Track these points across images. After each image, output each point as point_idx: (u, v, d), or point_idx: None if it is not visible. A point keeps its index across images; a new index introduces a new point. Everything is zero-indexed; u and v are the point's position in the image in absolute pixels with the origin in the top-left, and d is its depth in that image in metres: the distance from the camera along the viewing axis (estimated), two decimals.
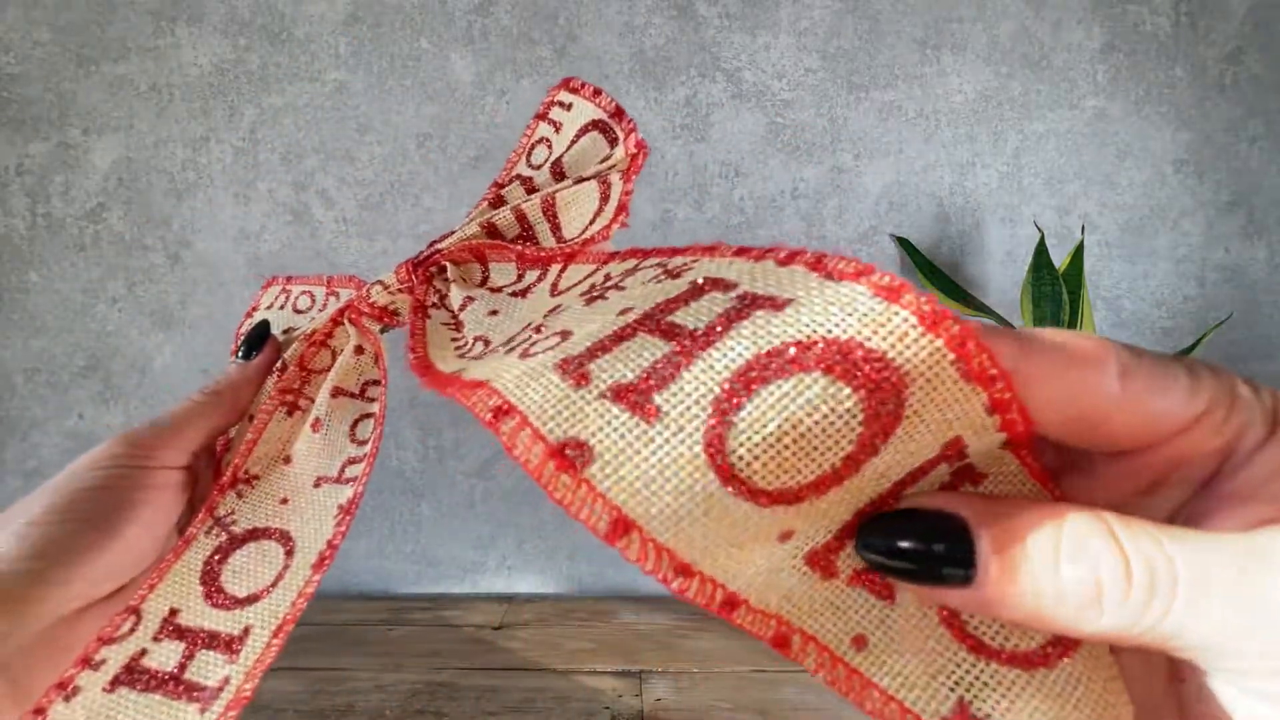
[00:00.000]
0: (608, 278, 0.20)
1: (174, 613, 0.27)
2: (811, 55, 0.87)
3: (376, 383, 0.31)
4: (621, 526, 0.13)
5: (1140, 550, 0.13)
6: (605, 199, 0.29)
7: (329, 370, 0.31)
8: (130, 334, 0.90)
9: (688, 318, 0.15)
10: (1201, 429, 0.14)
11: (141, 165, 0.88)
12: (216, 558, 0.28)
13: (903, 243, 0.86)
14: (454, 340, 0.26)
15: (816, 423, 0.13)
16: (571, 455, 0.13)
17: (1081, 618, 0.13)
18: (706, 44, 0.87)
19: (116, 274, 0.89)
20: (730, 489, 0.13)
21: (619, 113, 0.31)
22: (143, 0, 0.86)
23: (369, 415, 0.31)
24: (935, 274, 0.83)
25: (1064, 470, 0.16)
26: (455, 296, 0.27)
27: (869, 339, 0.13)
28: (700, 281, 0.16)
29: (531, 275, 0.26)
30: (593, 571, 0.93)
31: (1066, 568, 0.13)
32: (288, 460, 0.30)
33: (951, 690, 0.15)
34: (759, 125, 0.87)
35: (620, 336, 0.15)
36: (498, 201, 0.31)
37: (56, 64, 0.87)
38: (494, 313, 0.26)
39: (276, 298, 0.38)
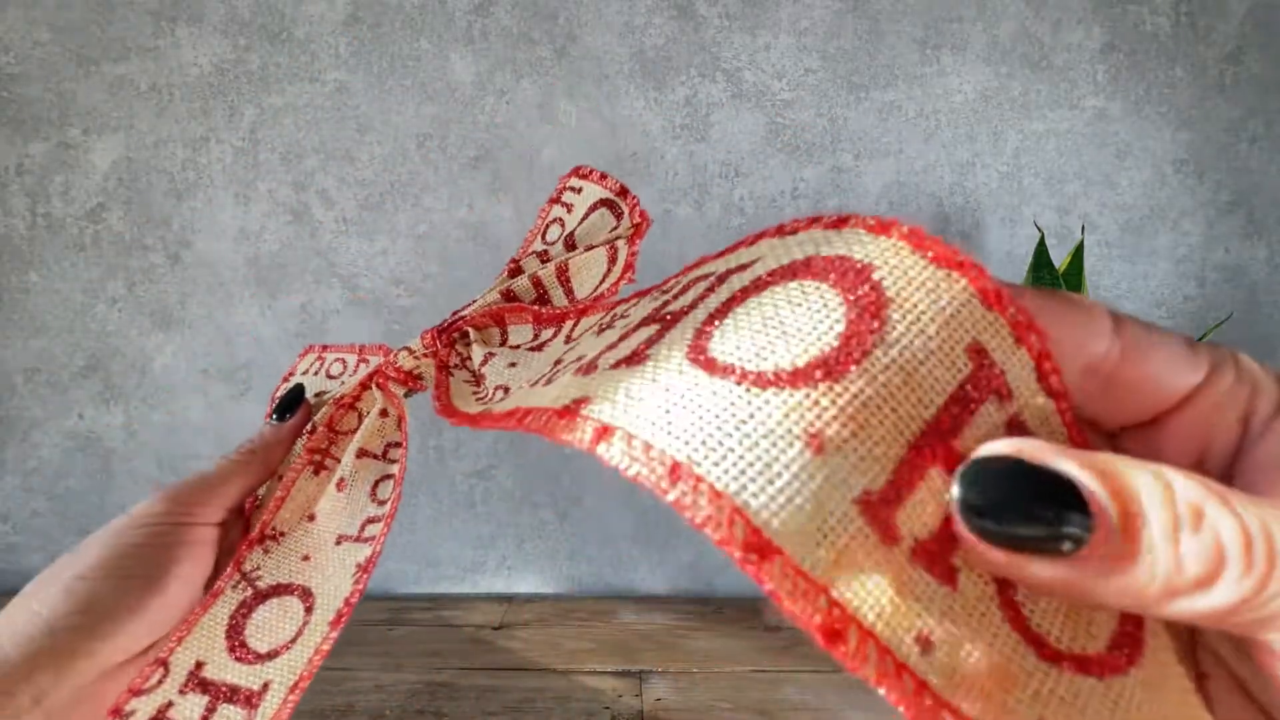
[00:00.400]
0: (614, 316, 0.22)
1: (200, 665, 0.28)
2: (811, 55, 0.87)
3: (398, 444, 0.33)
4: (604, 431, 0.13)
5: (1256, 517, 0.11)
6: (613, 261, 0.32)
7: (355, 432, 0.33)
8: (130, 334, 0.90)
9: (675, 306, 0.16)
10: (1212, 395, 0.14)
11: (141, 165, 0.88)
12: (242, 612, 0.29)
13: None
14: (475, 393, 0.27)
15: (792, 311, 0.13)
16: (574, 408, 0.14)
17: (1194, 595, 0.11)
18: (706, 44, 0.87)
19: (116, 274, 0.89)
20: (718, 376, 0.13)
21: (624, 191, 0.34)
22: (143, 0, 0.86)
23: (389, 476, 0.32)
24: None
25: None
26: (477, 354, 0.29)
27: (824, 250, 0.14)
28: (686, 282, 0.17)
29: (547, 333, 0.28)
30: (593, 571, 0.93)
31: (1188, 538, 0.11)
32: (312, 518, 0.32)
33: (1030, 708, 0.12)
34: (759, 125, 0.87)
35: (624, 337, 0.17)
36: (515, 272, 0.33)
37: (56, 64, 0.87)
38: (513, 365, 0.27)
39: (311, 364, 0.40)
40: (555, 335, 0.27)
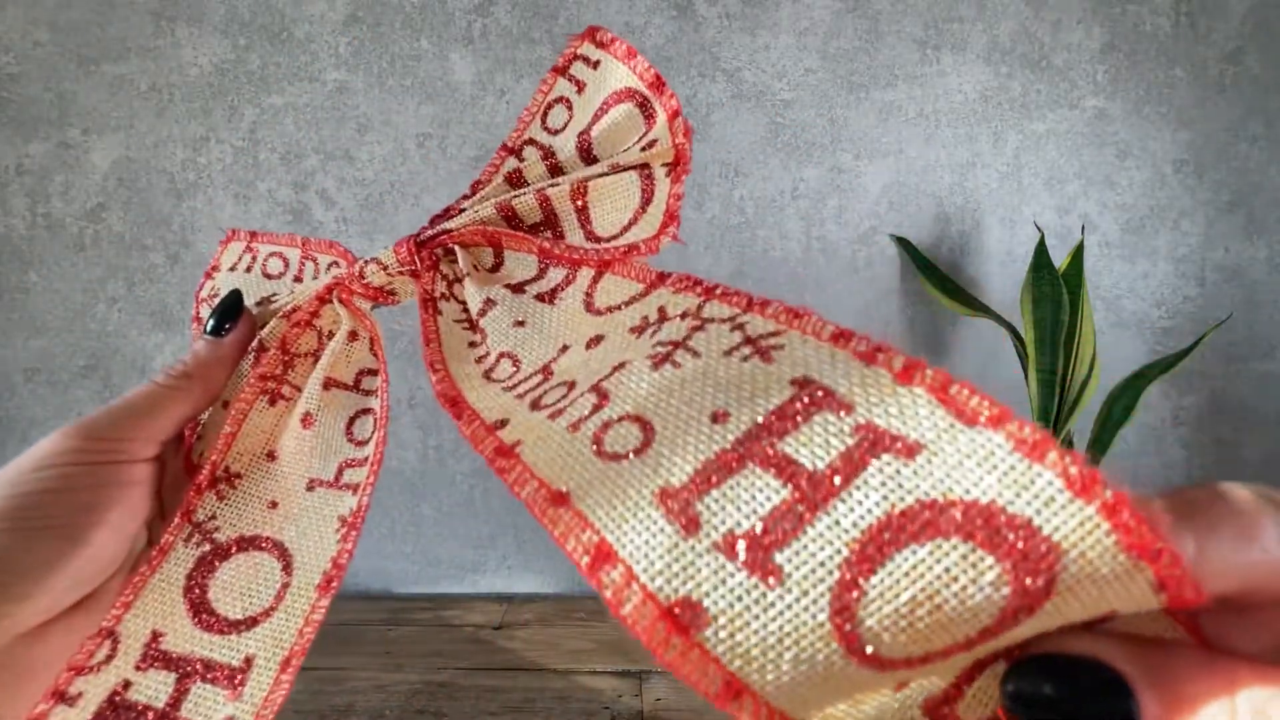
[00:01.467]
0: (663, 315, 0.19)
1: (157, 636, 0.23)
2: (811, 55, 0.87)
3: (374, 373, 0.28)
4: (734, 690, 0.12)
5: None
6: (648, 198, 0.26)
7: (315, 354, 0.28)
8: (130, 334, 0.90)
9: (802, 450, 0.13)
10: None
11: (141, 165, 0.88)
12: (201, 571, 0.24)
13: (903, 243, 0.86)
14: (474, 348, 0.24)
15: (955, 594, 0.12)
16: (684, 616, 0.12)
17: None
18: (706, 44, 0.87)
19: (116, 274, 0.89)
20: (855, 660, 0.12)
21: (659, 84, 0.25)
22: (143, 0, 0.86)
23: (366, 410, 0.27)
24: (935, 274, 0.83)
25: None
26: (472, 296, 0.24)
27: (1012, 503, 0.11)
28: (801, 384, 0.14)
29: (557, 275, 0.24)
30: None
31: None
32: (272, 456, 0.27)
33: None
34: (759, 125, 0.87)
35: (727, 466, 0.14)
36: (516, 179, 0.27)
37: (56, 64, 0.87)
38: (520, 323, 0.23)
39: (240, 257, 0.33)
40: (568, 283, 0.23)
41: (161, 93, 0.87)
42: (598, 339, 0.21)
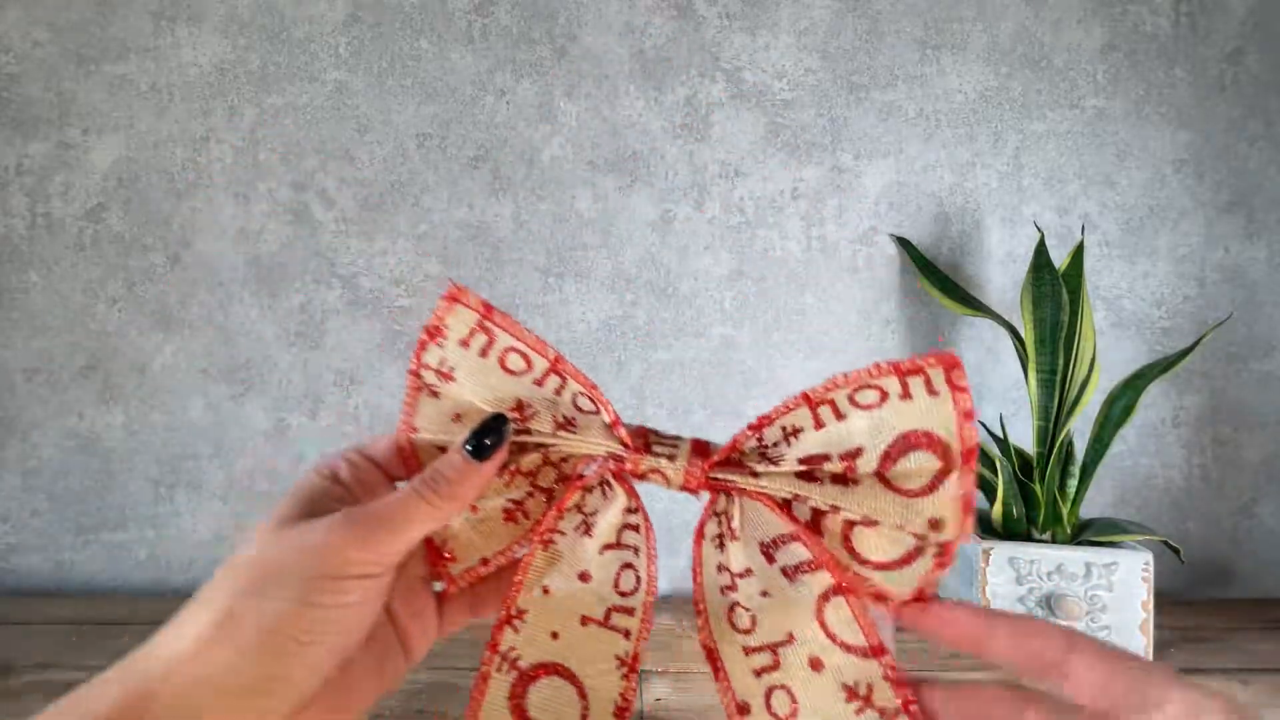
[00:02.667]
0: (870, 698, 0.25)
1: None
2: (811, 55, 0.87)
3: (633, 528, 0.32)
4: None
5: None
6: (909, 560, 0.27)
7: (579, 507, 0.32)
8: (130, 334, 0.90)
9: None
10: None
11: (141, 165, 0.88)
12: (516, 694, 0.30)
13: (903, 243, 0.86)
14: (721, 573, 0.29)
15: None
16: None
17: None
18: (706, 44, 0.87)
19: (116, 274, 0.89)
20: None
21: (971, 456, 0.26)
22: (143, 0, 0.86)
23: (628, 565, 0.32)
24: (935, 274, 0.83)
25: None
26: (737, 557, 0.29)
27: None
28: None
29: (802, 551, 0.28)
30: None
31: None
32: (547, 592, 0.32)
33: None
34: (759, 125, 0.87)
35: None
36: (814, 469, 0.28)
37: (56, 64, 0.87)
38: (766, 594, 0.28)
39: (472, 332, 0.31)
40: (810, 570, 0.28)
41: (161, 93, 0.87)
42: (818, 664, 0.27)
